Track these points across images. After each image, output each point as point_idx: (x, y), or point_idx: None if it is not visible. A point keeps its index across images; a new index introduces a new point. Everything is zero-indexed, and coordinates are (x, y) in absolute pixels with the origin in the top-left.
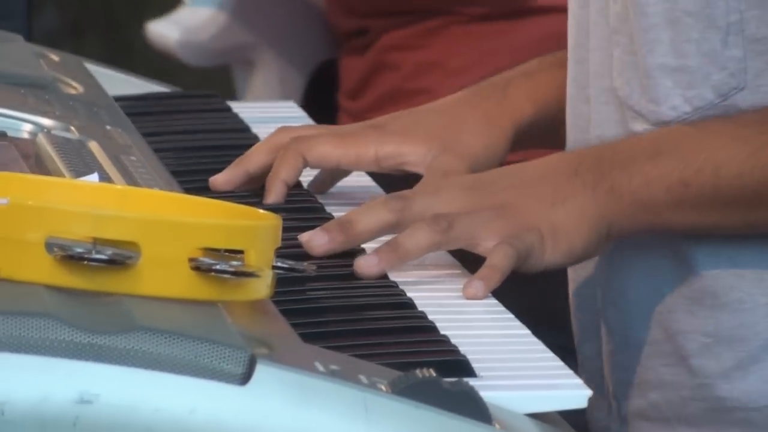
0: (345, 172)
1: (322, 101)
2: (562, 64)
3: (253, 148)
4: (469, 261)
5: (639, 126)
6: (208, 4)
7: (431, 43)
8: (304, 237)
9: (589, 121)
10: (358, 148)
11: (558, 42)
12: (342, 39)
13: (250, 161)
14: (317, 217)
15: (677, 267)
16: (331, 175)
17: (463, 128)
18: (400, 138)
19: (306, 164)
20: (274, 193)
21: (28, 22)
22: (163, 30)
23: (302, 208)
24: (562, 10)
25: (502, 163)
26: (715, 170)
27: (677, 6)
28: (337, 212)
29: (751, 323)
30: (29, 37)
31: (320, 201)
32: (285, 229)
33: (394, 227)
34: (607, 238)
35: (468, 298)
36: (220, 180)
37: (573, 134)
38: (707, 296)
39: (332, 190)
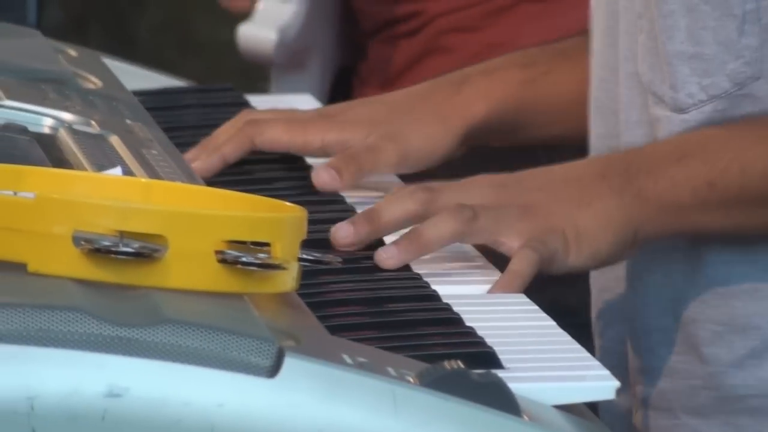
0: None
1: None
2: (526, 64)
3: (218, 129)
4: (490, 254)
5: (659, 111)
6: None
7: (495, 23)
8: (333, 229)
9: (615, 106)
10: (306, 135)
11: None
12: (371, 30)
13: (213, 141)
14: (340, 209)
15: (690, 254)
16: None
17: (408, 119)
18: (344, 125)
19: (253, 147)
20: (209, 163)
21: (38, 17)
22: (256, 32)
23: (323, 201)
24: None
25: (449, 158)
26: (741, 170)
27: None
28: (357, 202)
29: (765, 311)
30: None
31: (341, 193)
32: (312, 222)
33: (420, 219)
34: (633, 244)
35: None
36: (189, 156)
37: (603, 117)
38: (720, 284)
39: (368, 198)
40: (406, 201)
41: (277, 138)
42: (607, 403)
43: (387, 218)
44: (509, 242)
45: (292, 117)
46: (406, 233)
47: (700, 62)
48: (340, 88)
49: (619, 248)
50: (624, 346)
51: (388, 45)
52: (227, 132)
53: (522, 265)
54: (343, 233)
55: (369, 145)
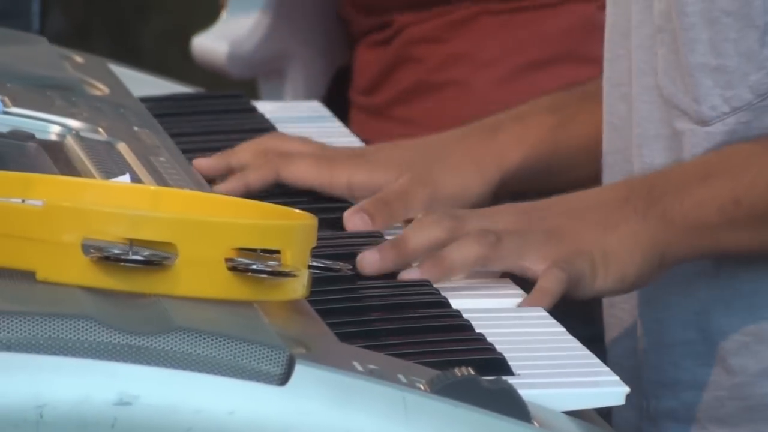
0: None
1: (340, 104)
2: (555, 108)
3: (242, 144)
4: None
5: (683, 124)
6: (249, 12)
7: (459, 35)
8: (359, 257)
9: (630, 120)
10: (333, 173)
11: (586, 31)
12: (357, 35)
13: (235, 156)
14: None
15: (714, 267)
16: None
17: (442, 164)
18: (373, 167)
19: (278, 179)
20: (232, 190)
21: (41, 25)
22: (211, 44)
23: (335, 207)
24: None
25: (479, 205)
26: (767, 185)
27: (715, 5)
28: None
29: None
30: None
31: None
32: (322, 230)
33: (446, 245)
34: (660, 267)
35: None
36: (203, 164)
37: (608, 133)
38: (746, 295)
39: None
40: (433, 228)
41: (302, 174)
42: (621, 414)
43: (413, 246)
44: (534, 267)
45: (320, 153)
46: (430, 256)
47: (723, 74)
48: (339, 88)
49: (646, 271)
50: (633, 361)
51: (369, 51)
52: (250, 151)
53: (551, 283)
54: (369, 261)
55: (400, 190)
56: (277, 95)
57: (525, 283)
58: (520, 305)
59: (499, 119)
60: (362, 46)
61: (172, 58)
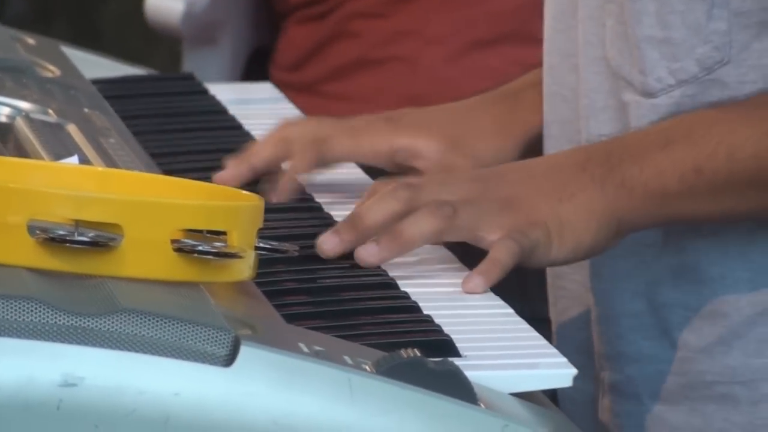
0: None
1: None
2: None
3: (258, 142)
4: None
5: (629, 96)
6: None
7: (403, 11)
8: (318, 240)
9: (577, 90)
10: (373, 144)
11: (533, 10)
12: (286, 11)
13: (257, 155)
14: (306, 206)
15: (662, 240)
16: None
17: (475, 131)
18: (414, 131)
19: (323, 163)
20: (287, 191)
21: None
22: (166, 3)
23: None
24: None
25: None
26: (728, 154)
27: None
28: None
29: (733, 299)
30: None
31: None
32: (269, 211)
33: (403, 217)
34: (616, 235)
35: (466, 292)
36: (225, 176)
37: (554, 104)
38: (690, 270)
39: (323, 181)
40: (388, 201)
41: (345, 152)
42: (568, 390)
43: (370, 222)
44: (489, 236)
45: (346, 125)
46: (386, 232)
47: (669, 47)
48: (253, 69)
49: (602, 240)
50: (584, 332)
51: (299, 27)
52: (268, 145)
53: (502, 254)
54: (329, 245)
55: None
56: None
57: (480, 257)
58: (469, 275)
59: (516, 86)
60: (290, 22)
61: (132, 41)
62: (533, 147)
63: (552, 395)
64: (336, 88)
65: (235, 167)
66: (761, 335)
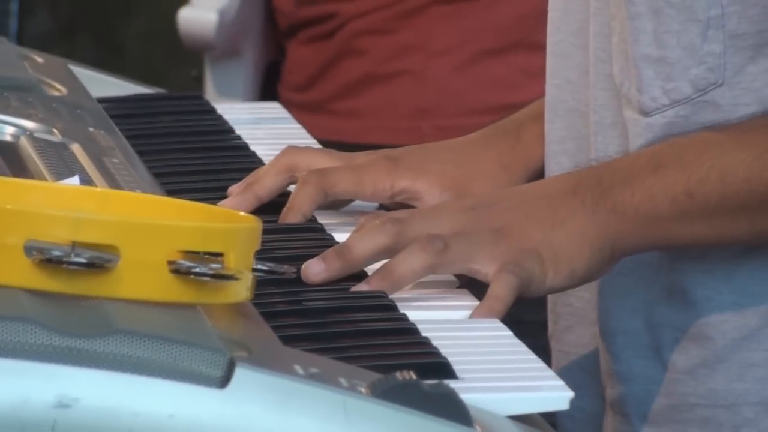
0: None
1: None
2: None
3: (262, 171)
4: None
5: (629, 113)
6: None
7: (408, 25)
8: (303, 266)
9: (588, 109)
10: (375, 183)
11: (538, 18)
12: (291, 29)
13: (261, 186)
14: (306, 227)
15: (658, 259)
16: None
17: (476, 171)
18: (415, 173)
19: (325, 199)
20: (291, 221)
21: (19, 25)
22: (197, 15)
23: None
24: None
25: None
26: (720, 177)
27: None
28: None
29: (717, 321)
30: (20, 39)
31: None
32: (267, 231)
33: (391, 251)
34: (611, 259)
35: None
36: (229, 205)
37: (572, 120)
38: (679, 291)
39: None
40: (376, 235)
41: (348, 189)
42: (584, 403)
43: (358, 254)
44: (484, 269)
45: (350, 162)
46: (378, 270)
47: (664, 66)
48: (266, 85)
49: (596, 265)
50: (586, 350)
51: (305, 47)
52: (271, 174)
53: (502, 289)
54: (314, 270)
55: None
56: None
57: (480, 285)
58: (473, 315)
59: (519, 120)
60: (295, 42)
61: (156, 58)
62: (536, 178)
63: (550, 413)
64: (346, 106)
65: (239, 196)
66: (744, 359)
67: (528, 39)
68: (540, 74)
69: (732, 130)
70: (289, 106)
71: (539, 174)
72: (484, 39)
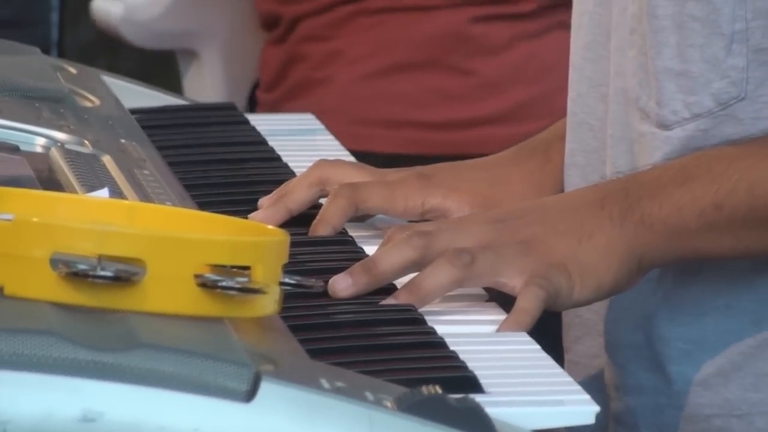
0: None
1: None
2: None
3: (293, 183)
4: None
5: (644, 127)
6: None
7: (338, 34)
8: (330, 281)
9: (604, 120)
10: (407, 200)
11: (455, 42)
12: (263, 28)
13: (292, 198)
14: (336, 240)
15: (660, 272)
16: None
17: (505, 191)
18: (446, 191)
19: (355, 213)
20: (321, 234)
21: (60, 34)
22: (106, 6)
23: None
24: (460, 4)
25: None
26: (749, 189)
27: (684, 10)
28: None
29: (736, 330)
30: (60, 50)
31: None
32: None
33: (419, 265)
34: (638, 272)
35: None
36: (259, 218)
37: (580, 133)
38: (692, 302)
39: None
40: (403, 249)
41: (379, 205)
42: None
43: (384, 268)
44: (511, 282)
45: (381, 177)
46: (406, 284)
47: (687, 80)
48: None
49: (623, 279)
50: (596, 361)
51: (271, 48)
52: (302, 187)
53: (529, 303)
54: (341, 285)
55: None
56: (192, 74)
57: (508, 298)
58: (500, 328)
59: (547, 139)
60: (267, 43)
61: None
62: None
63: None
64: (291, 107)
65: (270, 209)
66: (759, 369)
67: (441, 60)
68: (451, 96)
69: (759, 142)
70: (260, 105)
71: None
72: (398, 52)
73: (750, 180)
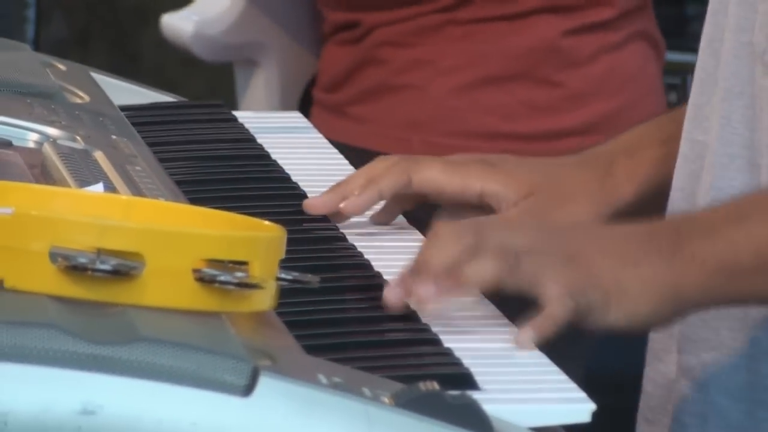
0: (413, 202)
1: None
2: (665, 140)
3: (352, 175)
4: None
5: (766, 81)
6: None
7: (425, 41)
8: (384, 296)
9: (715, 75)
10: (465, 179)
11: (547, 54)
12: (328, 31)
13: (348, 188)
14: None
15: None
16: (401, 203)
17: (562, 195)
18: (507, 180)
19: (410, 183)
20: (366, 198)
21: (36, 33)
22: (178, 23)
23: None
24: (554, 10)
25: None
26: None
27: None
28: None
29: None
30: (36, 46)
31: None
32: (293, 242)
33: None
34: (675, 312)
35: (516, 345)
36: (316, 203)
37: (697, 87)
38: None
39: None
40: (453, 247)
41: (435, 177)
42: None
43: (436, 270)
44: (548, 290)
45: (444, 159)
46: (446, 271)
47: None
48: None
49: (659, 314)
50: (664, 390)
51: (337, 48)
52: (361, 178)
53: (558, 310)
54: (392, 297)
55: None
56: (251, 84)
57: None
58: (520, 332)
59: (613, 152)
60: (331, 43)
61: (170, 66)
62: (621, 215)
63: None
64: (359, 111)
65: (327, 196)
66: None
67: (534, 72)
68: (540, 108)
69: None
70: (318, 106)
71: (627, 210)
72: (491, 64)
73: None
